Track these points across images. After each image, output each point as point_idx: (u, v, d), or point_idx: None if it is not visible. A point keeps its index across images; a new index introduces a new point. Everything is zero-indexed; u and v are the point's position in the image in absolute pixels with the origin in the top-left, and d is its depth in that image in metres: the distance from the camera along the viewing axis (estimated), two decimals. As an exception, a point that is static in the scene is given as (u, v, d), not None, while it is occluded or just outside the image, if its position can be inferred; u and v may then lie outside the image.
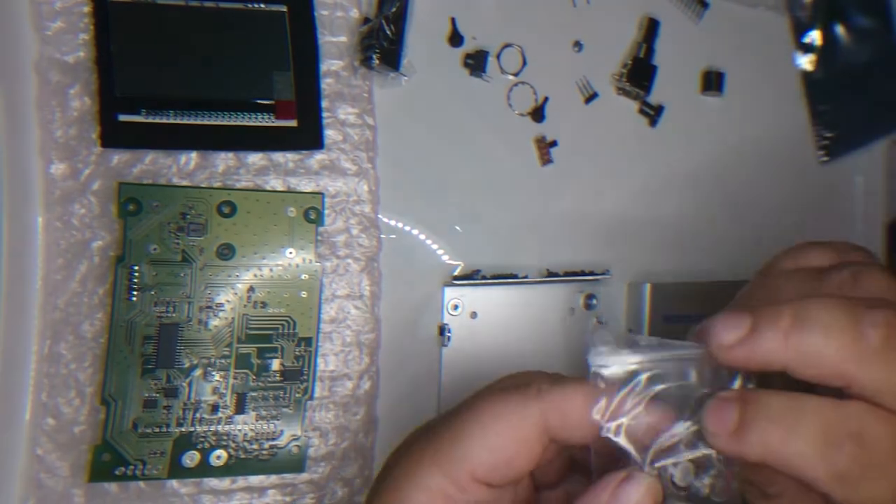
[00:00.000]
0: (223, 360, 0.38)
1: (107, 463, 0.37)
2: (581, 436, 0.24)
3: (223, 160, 0.39)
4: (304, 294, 0.40)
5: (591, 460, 0.24)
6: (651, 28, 0.46)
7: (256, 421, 0.39)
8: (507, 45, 0.44)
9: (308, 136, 0.40)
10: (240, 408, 0.38)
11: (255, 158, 0.40)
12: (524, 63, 0.44)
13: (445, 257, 0.43)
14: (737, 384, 0.23)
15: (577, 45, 0.45)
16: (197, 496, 0.38)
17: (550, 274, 0.44)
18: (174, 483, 0.38)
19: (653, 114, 0.46)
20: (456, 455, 0.23)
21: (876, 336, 0.20)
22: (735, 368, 0.23)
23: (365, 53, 0.40)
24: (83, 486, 0.37)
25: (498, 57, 0.44)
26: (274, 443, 0.39)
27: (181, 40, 0.38)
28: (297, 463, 0.39)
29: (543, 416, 0.24)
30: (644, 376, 0.23)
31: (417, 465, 0.24)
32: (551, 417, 0.24)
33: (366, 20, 0.41)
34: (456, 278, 0.43)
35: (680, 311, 0.44)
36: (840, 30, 0.50)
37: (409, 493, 0.23)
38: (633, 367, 0.23)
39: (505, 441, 0.23)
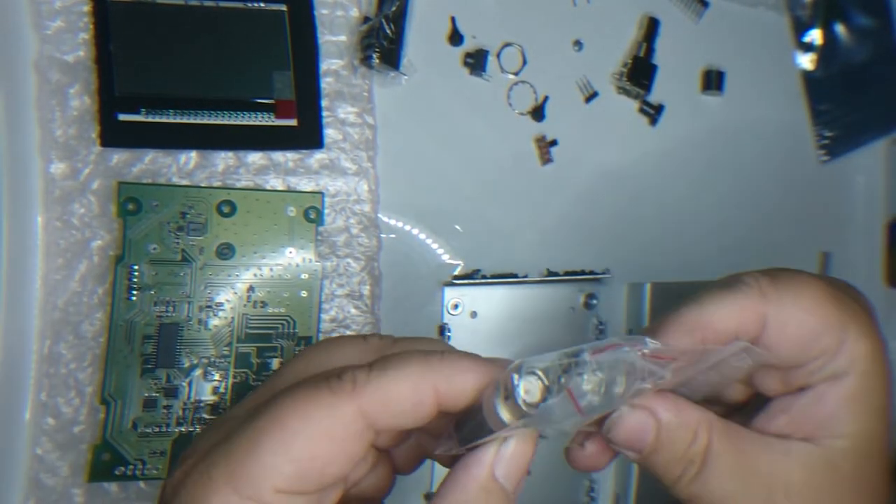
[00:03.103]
0: (223, 360, 0.38)
1: (106, 462, 0.37)
2: (414, 420, 0.21)
3: (223, 159, 0.39)
4: (303, 294, 0.40)
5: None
6: (651, 27, 0.46)
7: (256, 420, 0.39)
8: (507, 45, 0.44)
9: (308, 136, 0.40)
10: (240, 407, 0.38)
11: (254, 158, 0.40)
12: (524, 62, 0.44)
13: (445, 257, 0.43)
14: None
15: (578, 44, 0.45)
16: (197, 496, 0.38)
17: (550, 273, 0.44)
18: (174, 483, 0.38)
19: (653, 113, 0.46)
20: (253, 471, 0.20)
21: None
22: None
23: (365, 52, 0.40)
24: (83, 485, 0.37)
25: (498, 56, 0.44)
26: (274, 442, 0.39)
27: (181, 40, 0.38)
28: (296, 462, 0.39)
29: (362, 414, 0.21)
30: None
31: (209, 489, 0.20)
32: (373, 412, 0.21)
33: (366, 19, 0.41)
34: (456, 278, 0.43)
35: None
36: (840, 29, 0.50)
37: None
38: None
39: (314, 448, 0.20)
